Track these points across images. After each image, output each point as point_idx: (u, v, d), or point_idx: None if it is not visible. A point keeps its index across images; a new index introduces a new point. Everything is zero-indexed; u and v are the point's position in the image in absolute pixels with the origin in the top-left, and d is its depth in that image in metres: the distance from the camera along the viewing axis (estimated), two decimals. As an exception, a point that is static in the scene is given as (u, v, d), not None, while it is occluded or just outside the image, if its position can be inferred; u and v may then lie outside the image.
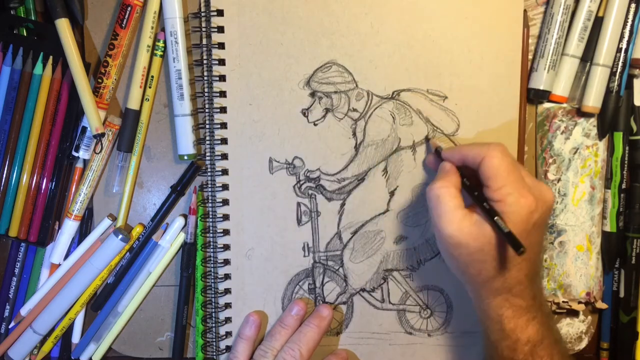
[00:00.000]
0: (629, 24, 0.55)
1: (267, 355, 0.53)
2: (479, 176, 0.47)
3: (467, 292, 0.52)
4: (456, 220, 0.44)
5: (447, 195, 0.45)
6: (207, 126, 0.54)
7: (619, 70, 0.55)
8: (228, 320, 0.56)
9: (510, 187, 0.44)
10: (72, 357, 0.59)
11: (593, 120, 0.58)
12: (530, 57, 0.56)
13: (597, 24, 0.55)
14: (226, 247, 0.56)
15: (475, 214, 0.45)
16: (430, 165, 0.54)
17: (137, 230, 0.57)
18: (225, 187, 0.55)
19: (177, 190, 0.56)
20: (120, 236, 0.55)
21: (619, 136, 0.57)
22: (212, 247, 0.55)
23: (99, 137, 0.53)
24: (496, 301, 0.46)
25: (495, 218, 0.44)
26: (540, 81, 0.55)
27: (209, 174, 0.55)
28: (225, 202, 0.55)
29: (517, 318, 0.46)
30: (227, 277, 0.56)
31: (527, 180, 0.46)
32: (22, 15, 0.54)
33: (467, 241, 0.44)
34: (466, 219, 0.45)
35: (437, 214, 0.45)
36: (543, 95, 0.56)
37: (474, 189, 0.47)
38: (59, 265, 0.57)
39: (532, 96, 0.56)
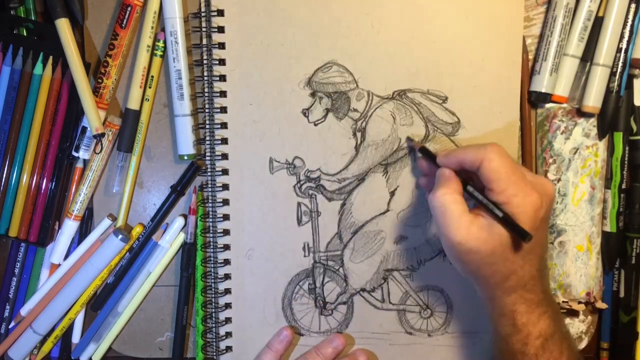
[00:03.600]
0: (629, 24, 0.55)
1: None
2: (478, 177, 0.46)
3: (469, 292, 0.52)
4: (464, 226, 0.44)
5: (452, 202, 0.45)
6: (208, 126, 0.54)
7: (619, 70, 0.55)
8: (228, 320, 0.56)
9: (514, 187, 0.44)
10: (72, 357, 0.59)
11: (593, 120, 0.58)
12: (530, 57, 0.56)
13: (597, 24, 0.55)
14: (226, 247, 0.56)
15: (481, 217, 0.45)
16: (423, 169, 0.53)
17: (137, 230, 0.57)
18: (225, 187, 0.55)
19: (177, 190, 0.56)
20: (120, 236, 0.55)
21: (619, 136, 0.57)
22: (212, 247, 0.55)
23: (99, 137, 0.53)
24: (511, 298, 0.46)
25: (493, 209, 0.44)
26: (542, 84, 0.55)
27: (209, 174, 0.55)
28: (226, 202, 0.55)
29: (529, 313, 0.46)
30: (227, 277, 0.56)
31: (528, 177, 0.46)
32: (22, 15, 0.54)
33: (477, 246, 0.44)
34: (474, 224, 0.44)
35: (443, 222, 0.45)
36: (545, 98, 0.56)
37: (478, 190, 0.46)
38: (59, 265, 0.57)
39: (534, 99, 0.56)
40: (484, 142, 0.55)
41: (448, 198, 0.45)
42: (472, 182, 0.47)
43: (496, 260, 0.44)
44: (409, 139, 0.55)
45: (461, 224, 0.44)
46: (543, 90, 0.55)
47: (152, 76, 0.55)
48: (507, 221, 0.43)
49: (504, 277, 0.45)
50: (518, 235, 0.43)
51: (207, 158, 0.55)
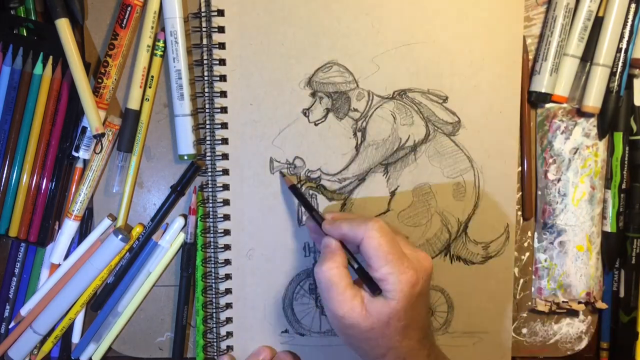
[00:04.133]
0: (629, 24, 0.55)
1: None
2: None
3: (469, 292, 0.54)
4: (347, 301, 0.45)
5: (337, 276, 0.46)
6: (208, 126, 0.54)
7: (619, 70, 0.55)
8: (229, 320, 0.56)
9: (391, 266, 0.45)
10: (72, 357, 0.59)
11: (593, 120, 0.58)
12: (530, 57, 0.56)
13: (597, 24, 0.55)
14: (227, 247, 0.56)
15: (363, 291, 0.46)
16: (310, 229, 0.54)
17: (137, 230, 0.57)
18: (225, 187, 0.55)
19: (177, 190, 0.56)
20: (120, 236, 0.55)
21: (619, 136, 0.57)
22: (212, 247, 0.55)
23: (99, 137, 0.53)
24: None
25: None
26: (542, 84, 0.55)
27: (210, 174, 0.55)
28: (226, 202, 0.55)
29: None
30: (227, 277, 0.56)
31: (406, 252, 0.46)
32: (22, 15, 0.54)
33: (358, 321, 0.45)
34: (356, 298, 0.45)
35: (328, 296, 0.46)
36: (545, 98, 0.56)
37: (359, 268, 0.47)
38: (59, 265, 0.57)
39: (534, 99, 0.56)
40: (484, 141, 0.56)
41: (334, 272, 0.46)
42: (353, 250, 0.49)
43: (375, 335, 0.45)
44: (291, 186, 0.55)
45: (345, 299, 0.45)
46: (543, 90, 0.55)
47: (152, 76, 0.55)
48: (363, 275, 0.46)
49: (381, 353, 0.46)
50: (370, 289, 0.46)
51: (208, 158, 0.55)
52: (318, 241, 0.52)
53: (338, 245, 0.48)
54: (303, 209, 0.56)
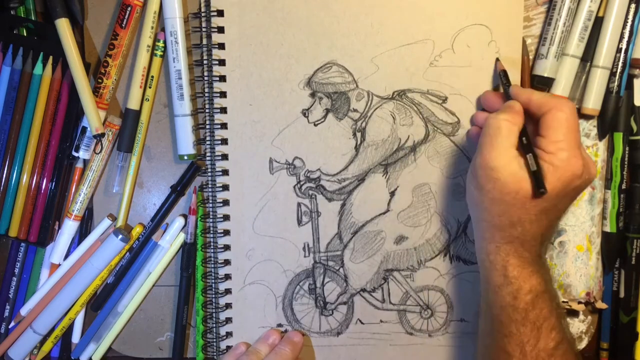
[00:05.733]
0: (629, 24, 0.55)
1: None
2: (535, 125, 0.47)
3: (469, 292, 0.54)
4: (507, 157, 0.44)
5: (508, 130, 0.45)
6: (208, 126, 0.54)
7: (619, 70, 0.55)
8: (229, 320, 0.57)
9: (566, 144, 0.44)
10: (72, 357, 0.59)
11: (593, 121, 0.58)
12: (534, 47, 0.56)
13: (597, 24, 0.55)
14: (226, 248, 0.56)
15: (523, 158, 0.45)
16: (487, 104, 0.53)
17: (137, 230, 0.57)
18: (225, 187, 0.55)
19: (177, 191, 0.56)
20: (120, 236, 0.55)
21: (619, 136, 0.57)
22: (212, 247, 0.56)
23: (99, 137, 0.53)
24: (506, 248, 0.46)
25: (529, 155, 0.44)
26: (545, 68, 0.55)
27: (209, 174, 0.55)
28: (226, 202, 0.55)
29: (521, 268, 0.46)
30: (227, 277, 0.56)
31: (582, 148, 0.46)
32: (22, 15, 0.54)
33: (506, 179, 0.44)
34: (516, 160, 0.44)
35: (490, 143, 0.45)
36: (547, 83, 0.55)
37: (528, 136, 0.46)
38: (59, 265, 0.57)
39: (537, 83, 0.55)
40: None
41: (507, 124, 0.45)
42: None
43: (514, 202, 0.44)
44: (498, 60, 0.54)
45: (506, 154, 0.44)
46: (545, 75, 0.55)
47: (152, 76, 0.55)
48: (533, 169, 0.44)
49: (510, 223, 0.45)
50: (535, 184, 0.43)
51: (207, 158, 0.55)
52: (474, 137, 0.51)
53: (521, 108, 0.47)
54: (302, 209, 0.56)
